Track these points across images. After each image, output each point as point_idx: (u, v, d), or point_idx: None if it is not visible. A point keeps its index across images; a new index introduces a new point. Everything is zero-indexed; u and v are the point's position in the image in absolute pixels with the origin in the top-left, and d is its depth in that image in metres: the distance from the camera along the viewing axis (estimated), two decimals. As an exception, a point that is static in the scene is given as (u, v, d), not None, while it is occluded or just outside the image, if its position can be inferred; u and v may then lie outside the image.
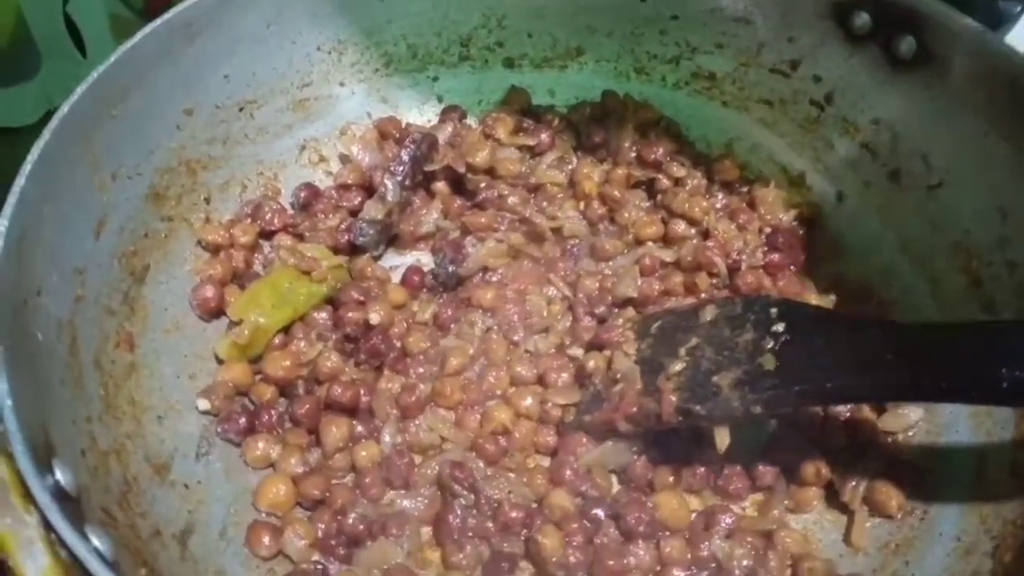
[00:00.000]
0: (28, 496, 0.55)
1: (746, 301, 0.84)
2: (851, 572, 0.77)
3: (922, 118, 0.92)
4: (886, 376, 0.71)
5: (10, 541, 0.54)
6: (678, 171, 0.98)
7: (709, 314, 0.84)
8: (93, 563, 0.52)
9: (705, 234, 0.96)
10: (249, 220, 0.93)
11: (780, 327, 0.79)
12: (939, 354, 0.70)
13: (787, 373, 0.75)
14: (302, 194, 0.97)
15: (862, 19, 0.91)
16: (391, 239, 0.98)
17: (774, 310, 0.80)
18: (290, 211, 0.96)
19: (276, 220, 0.93)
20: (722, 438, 0.76)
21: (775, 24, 0.97)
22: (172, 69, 0.85)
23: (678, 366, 0.80)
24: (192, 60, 0.86)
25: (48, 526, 0.54)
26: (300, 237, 0.94)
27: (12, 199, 0.66)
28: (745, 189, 1.01)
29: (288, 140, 0.99)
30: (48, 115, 1.12)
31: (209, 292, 0.86)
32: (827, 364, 0.74)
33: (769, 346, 0.78)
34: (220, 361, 0.85)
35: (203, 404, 0.81)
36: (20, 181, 0.67)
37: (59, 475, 0.59)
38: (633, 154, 1.01)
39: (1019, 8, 0.90)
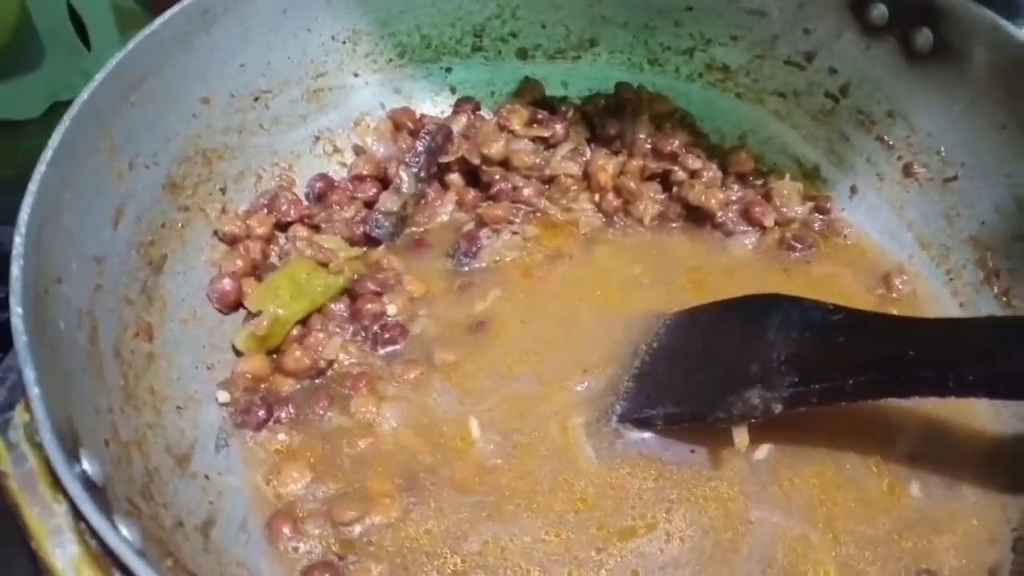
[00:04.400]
0: (56, 485, 0.55)
1: (764, 300, 0.83)
2: None
3: (938, 110, 0.92)
4: (909, 372, 0.70)
5: (39, 530, 0.54)
6: (694, 163, 0.98)
7: (729, 313, 0.84)
8: (124, 552, 0.51)
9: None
10: (265, 211, 0.92)
11: (799, 325, 0.78)
12: (963, 349, 0.70)
13: (807, 372, 0.74)
14: (317, 185, 0.96)
15: (879, 11, 0.91)
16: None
17: (793, 308, 0.80)
18: (305, 202, 0.96)
19: (292, 211, 0.92)
20: (741, 438, 0.75)
21: (791, 16, 0.97)
22: (189, 57, 0.84)
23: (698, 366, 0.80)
24: (208, 48, 0.86)
25: (77, 515, 0.54)
26: (316, 228, 0.93)
27: (33, 186, 0.65)
28: (760, 182, 1.00)
29: (302, 130, 0.98)
30: (52, 109, 1.12)
31: (228, 285, 0.85)
32: (847, 362, 0.73)
33: (788, 345, 0.77)
34: (238, 352, 0.84)
35: (223, 396, 0.80)
36: (41, 168, 0.66)
37: (86, 464, 0.58)
38: (648, 146, 1.00)
39: (1036, 0, 0.90)
